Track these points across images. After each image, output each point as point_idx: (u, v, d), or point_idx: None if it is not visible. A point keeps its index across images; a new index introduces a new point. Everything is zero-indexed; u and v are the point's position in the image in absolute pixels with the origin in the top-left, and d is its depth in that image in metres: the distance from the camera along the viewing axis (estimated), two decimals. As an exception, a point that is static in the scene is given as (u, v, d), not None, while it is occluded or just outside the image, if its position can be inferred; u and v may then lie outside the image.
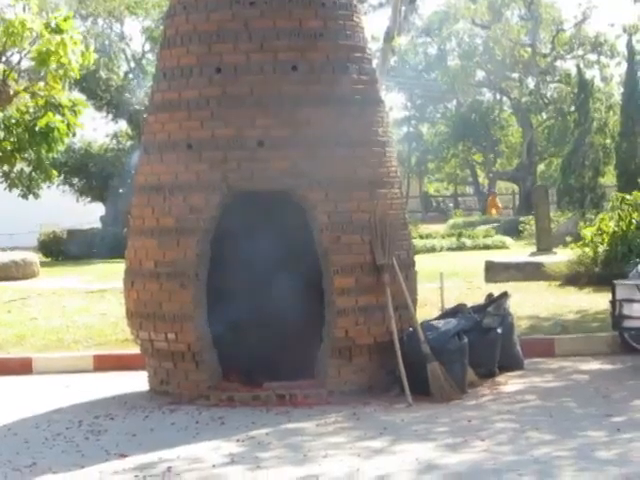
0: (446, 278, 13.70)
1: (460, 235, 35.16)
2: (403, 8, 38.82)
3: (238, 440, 8.62)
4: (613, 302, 12.23)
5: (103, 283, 21.57)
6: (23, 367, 12.89)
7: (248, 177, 10.14)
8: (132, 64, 43.76)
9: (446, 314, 11.41)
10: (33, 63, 19.98)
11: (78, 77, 21.38)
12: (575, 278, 18.02)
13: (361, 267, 10.31)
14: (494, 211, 48.68)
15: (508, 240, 34.41)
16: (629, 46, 44.33)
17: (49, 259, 33.13)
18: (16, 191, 23.20)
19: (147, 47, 42.98)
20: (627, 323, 11.97)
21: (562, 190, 44.44)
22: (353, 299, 10.25)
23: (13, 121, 20.65)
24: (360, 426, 9.03)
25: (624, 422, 8.87)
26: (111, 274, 20.57)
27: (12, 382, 12.22)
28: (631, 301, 11.83)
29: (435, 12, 56.31)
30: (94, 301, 18.57)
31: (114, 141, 40.04)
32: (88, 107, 23.96)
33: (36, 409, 10.32)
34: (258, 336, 10.67)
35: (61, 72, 20.02)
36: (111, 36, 44.10)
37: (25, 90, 20.11)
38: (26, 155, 21.30)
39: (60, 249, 34.74)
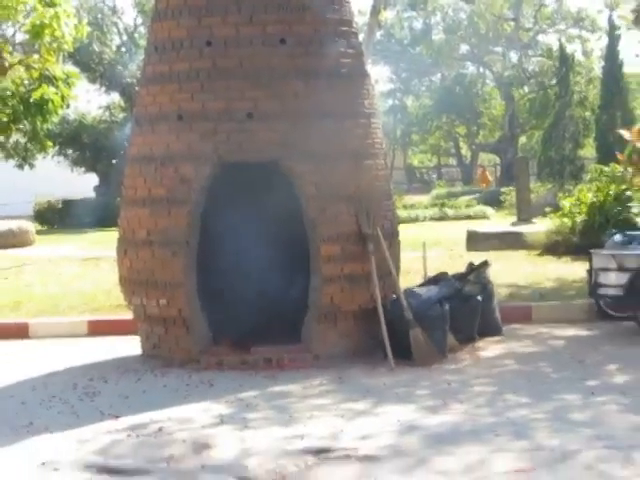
0: (429, 247, 13.75)
1: (443, 205, 35.06)
2: (389, -17, 38.76)
3: (227, 402, 8.71)
4: (590, 271, 12.29)
5: (97, 251, 21.57)
6: (20, 332, 12.92)
7: (237, 148, 10.16)
8: (124, 37, 43.48)
9: (428, 282, 11.47)
10: (27, 36, 19.90)
11: (71, 50, 21.28)
12: (554, 247, 18.09)
13: (347, 236, 10.35)
14: (484, 185, 48.29)
15: (489, 210, 34.30)
16: (610, 21, 44.19)
17: (44, 228, 33.09)
18: (12, 161, 23.16)
19: (139, 20, 42.74)
20: (603, 291, 12.03)
21: (542, 162, 44.42)
22: (339, 267, 10.30)
23: (8, 93, 20.58)
24: (344, 389, 9.11)
25: (598, 386, 8.97)
26: (104, 242, 20.55)
27: (9, 346, 12.26)
28: (607, 270, 11.90)
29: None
30: (88, 268, 18.59)
31: (107, 113, 39.86)
32: (81, 79, 23.93)
33: (32, 372, 10.37)
34: (247, 303, 10.74)
35: (55, 45, 19.94)
36: (103, 9, 43.77)
37: (20, 63, 20.05)
38: (21, 126, 21.26)
39: (55, 218, 34.74)
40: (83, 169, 38.72)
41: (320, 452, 7.05)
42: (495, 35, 54.09)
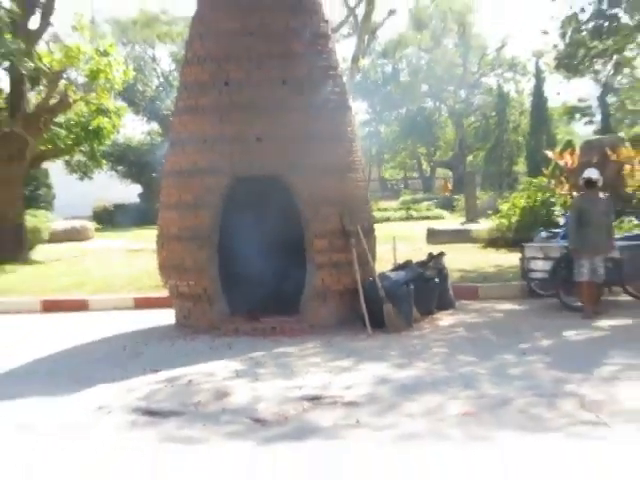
0: (397, 241, 13.72)
1: (408, 209, 34.97)
2: (366, 37, 38.84)
3: (241, 360, 8.71)
4: (522, 259, 12.33)
5: (140, 244, 21.55)
6: (81, 306, 12.94)
7: (248, 165, 10.15)
8: (161, 79, 43.36)
9: (397, 268, 11.46)
10: (87, 78, 19.88)
11: (121, 89, 21.23)
12: (494, 241, 18.11)
13: (334, 233, 10.34)
14: (446, 193, 47.83)
15: (444, 213, 34.27)
16: (537, 66, 44.25)
17: (100, 226, 33.02)
18: (75, 175, 23.09)
19: (172, 66, 42.61)
20: (532, 275, 12.06)
21: (485, 175, 44.54)
22: (328, 256, 10.30)
23: (72, 123, 20.58)
24: (332, 350, 9.10)
25: (529, 348, 8.98)
26: (146, 237, 20.52)
27: (73, 317, 12.26)
28: (535, 259, 11.93)
29: (390, 40, 55.47)
30: (134, 257, 18.58)
31: (148, 137, 39.75)
32: (128, 112, 23.83)
33: (91, 337, 10.38)
34: (257, 284, 10.72)
35: (108, 85, 19.94)
36: (145, 58, 43.70)
37: (81, 99, 20.00)
38: (82, 148, 21.21)
39: (108, 218, 34.74)
40: (130, 180, 38.62)
41: (314, 399, 7.09)
42: (448, 77, 54.01)
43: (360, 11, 36.82)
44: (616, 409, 6.54)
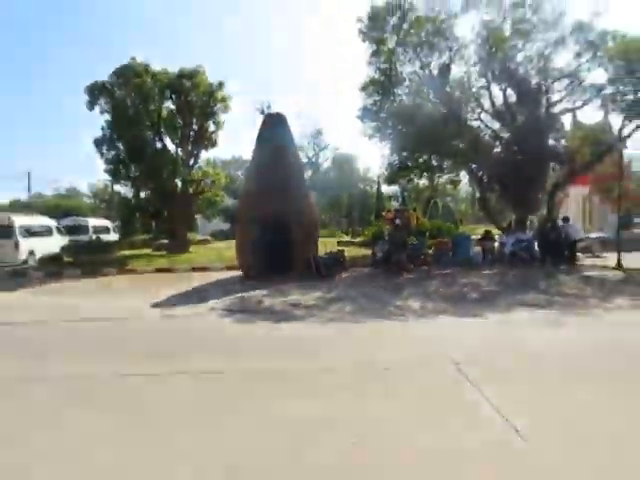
0: (326, 245, 13.48)
1: (330, 234, 34.66)
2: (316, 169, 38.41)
3: (266, 290, 8.30)
4: (373, 251, 12.12)
5: (230, 244, 20.90)
6: (206, 269, 12.28)
7: (267, 215, 9.80)
8: (238, 183, 42.63)
9: (327, 254, 11.18)
10: (210, 182, 19.38)
11: (223, 186, 20.67)
12: (363, 245, 17.85)
13: (304, 240, 10.03)
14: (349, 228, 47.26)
15: (344, 235, 34.06)
16: (378, 180, 44.24)
17: (213, 239, 32.18)
18: (206, 220, 22.38)
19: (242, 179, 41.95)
20: (377, 257, 11.80)
21: (359, 221, 44.22)
22: (302, 250, 9.99)
23: (205, 199, 19.87)
24: (301, 286, 8.74)
25: (376, 285, 8.76)
26: (232, 242, 19.96)
27: (202, 274, 11.45)
28: (378, 251, 11.67)
29: (325, 170, 54.80)
30: (226, 250, 17.74)
31: (234, 205, 38.84)
32: (226, 196, 23.27)
33: (207, 281, 9.76)
34: (273, 259, 10.33)
35: (219, 185, 19.47)
36: (234, 176, 42.79)
37: (208, 191, 19.42)
38: (209, 210, 20.47)
39: (218, 235, 33.74)
40: (226, 221, 37.74)
41: (294, 305, 6.81)
42: (347, 185, 53.56)
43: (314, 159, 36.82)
44: (410, 310, 6.40)
